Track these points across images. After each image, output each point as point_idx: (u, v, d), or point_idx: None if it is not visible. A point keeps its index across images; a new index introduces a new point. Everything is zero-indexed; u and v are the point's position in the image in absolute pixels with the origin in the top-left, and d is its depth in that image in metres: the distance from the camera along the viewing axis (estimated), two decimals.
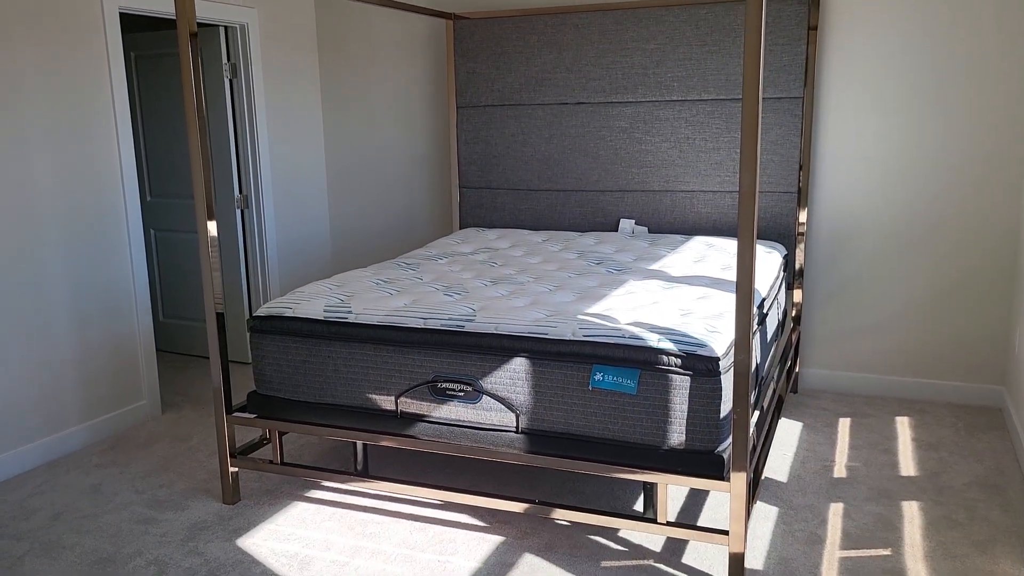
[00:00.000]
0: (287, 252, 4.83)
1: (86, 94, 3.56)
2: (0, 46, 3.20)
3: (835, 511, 2.90)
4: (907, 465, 3.26)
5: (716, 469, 2.42)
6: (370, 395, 2.82)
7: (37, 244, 3.40)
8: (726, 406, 2.44)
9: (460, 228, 4.60)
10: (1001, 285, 3.77)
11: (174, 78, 4.59)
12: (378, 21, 4.75)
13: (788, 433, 3.60)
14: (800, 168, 3.88)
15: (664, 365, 2.44)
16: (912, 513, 2.88)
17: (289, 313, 2.93)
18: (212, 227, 2.86)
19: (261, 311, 2.99)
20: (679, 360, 2.42)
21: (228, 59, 4.44)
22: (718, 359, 2.41)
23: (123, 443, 3.67)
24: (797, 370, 4.13)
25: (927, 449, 3.40)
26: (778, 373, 3.39)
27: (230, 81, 4.47)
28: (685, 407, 2.43)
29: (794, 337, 3.96)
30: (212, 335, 2.93)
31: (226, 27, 4.40)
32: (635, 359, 2.46)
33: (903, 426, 3.65)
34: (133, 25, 5.33)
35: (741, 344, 2.28)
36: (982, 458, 3.30)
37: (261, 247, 4.66)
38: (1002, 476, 3.14)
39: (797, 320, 4.06)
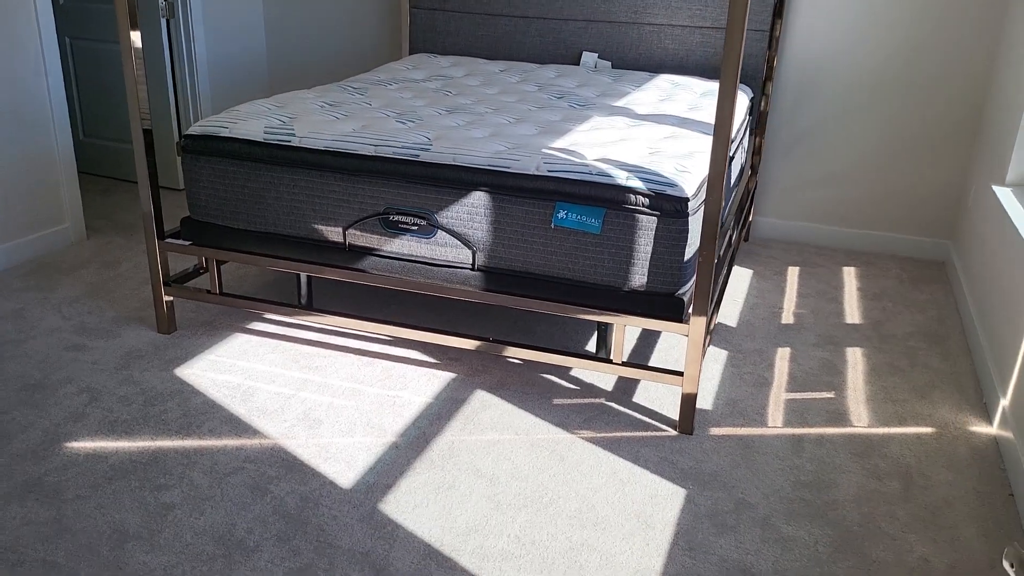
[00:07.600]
0: (219, 69, 4.43)
1: None
2: None
3: (782, 355, 2.94)
4: (852, 313, 3.30)
5: (676, 312, 2.38)
6: (316, 225, 2.65)
7: None
8: (691, 249, 2.37)
9: (410, 53, 4.28)
10: (960, 140, 3.72)
11: None
12: None
13: (739, 280, 3.59)
14: (775, 6, 3.66)
15: (631, 204, 2.32)
16: (856, 359, 2.93)
17: (225, 133, 2.68)
18: (136, 37, 2.54)
19: (194, 129, 2.72)
20: (647, 200, 2.31)
21: None
22: (687, 200, 2.30)
23: (45, 268, 3.45)
24: (751, 219, 4.09)
25: (872, 299, 3.45)
26: (734, 221, 3.33)
27: None
28: (650, 248, 2.34)
29: (751, 185, 3.89)
30: (139, 153, 2.67)
31: None
32: (602, 197, 2.34)
33: (850, 276, 3.68)
34: None
35: (714, 184, 2.17)
36: (924, 309, 3.36)
37: (190, 62, 4.26)
38: (943, 326, 3.21)
39: (754, 170, 3.97)
